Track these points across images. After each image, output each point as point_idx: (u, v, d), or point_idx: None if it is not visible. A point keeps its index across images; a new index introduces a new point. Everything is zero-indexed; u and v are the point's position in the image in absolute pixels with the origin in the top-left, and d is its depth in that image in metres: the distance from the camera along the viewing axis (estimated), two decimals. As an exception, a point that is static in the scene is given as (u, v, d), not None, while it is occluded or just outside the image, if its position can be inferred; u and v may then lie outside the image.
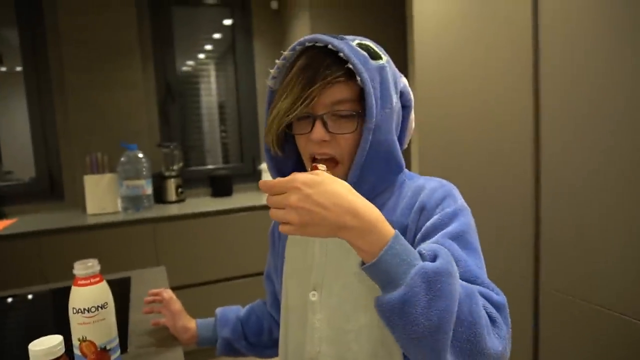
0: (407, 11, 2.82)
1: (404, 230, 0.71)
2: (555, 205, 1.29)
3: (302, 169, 0.80)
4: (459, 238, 0.67)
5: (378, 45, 0.77)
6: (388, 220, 0.69)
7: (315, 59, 0.71)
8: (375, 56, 0.72)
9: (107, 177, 2.53)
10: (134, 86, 2.67)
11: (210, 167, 3.12)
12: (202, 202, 2.77)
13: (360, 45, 0.72)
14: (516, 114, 1.40)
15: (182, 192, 2.83)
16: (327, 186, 0.58)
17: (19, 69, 2.63)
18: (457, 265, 0.62)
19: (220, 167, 3.11)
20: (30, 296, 1.34)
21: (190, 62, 3.07)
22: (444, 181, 0.76)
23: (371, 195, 0.74)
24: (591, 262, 1.18)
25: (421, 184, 0.75)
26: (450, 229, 0.67)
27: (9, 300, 1.31)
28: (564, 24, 1.23)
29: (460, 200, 0.73)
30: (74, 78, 2.53)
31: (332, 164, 0.73)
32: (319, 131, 0.71)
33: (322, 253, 0.78)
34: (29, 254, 2.15)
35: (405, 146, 0.84)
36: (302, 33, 2.75)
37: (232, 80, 3.14)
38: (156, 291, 1.08)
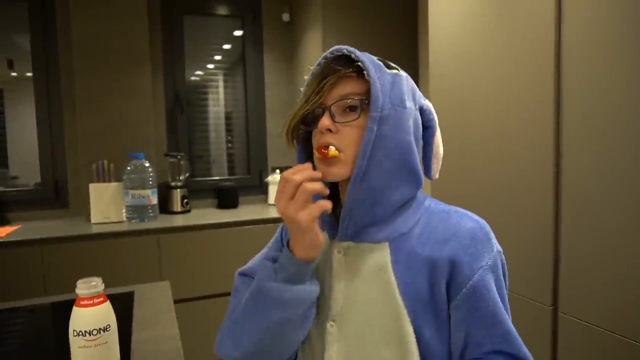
0: (419, 24, 2.81)
1: (434, 265, 0.69)
2: (575, 228, 1.24)
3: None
4: (504, 302, 0.70)
5: (399, 68, 0.77)
6: (417, 252, 0.69)
7: (332, 62, 0.73)
8: (391, 67, 0.73)
9: (112, 186, 2.50)
10: (144, 95, 2.66)
11: (216, 178, 3.09)
12: (208, 214, 2.73)
13: (379, 59, 0.74)
14: (536, 128, 1.36)
15: (187, 203, 2.79)
16: None
17: (29, 74, 2.63)
18: (509, 340, 0.67)
19: (227, 179, 3.08)
20: (31, 309, 1.30)
21: (200, 72, 3.06)
22: (481, 222, 0.72)
23: (391, 209, 0.71)
24: (612, 289, 1.14)
25: (455, 221, 0.72)
26: (494, 293, 0.68)
27: (8, 312, 1.27)
28: (587, 31, 1.20)
29: (496, 245, 0.72)
30: (83, 85, 2.52)
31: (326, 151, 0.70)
32: (324, 120, 0.70)
33: (337, 283, 0.74)
34: (31, 262, 2.12)
35: (435, 175, 0.80)
36: (314, 46, 2.74)
37: (240, 91, 3.12)
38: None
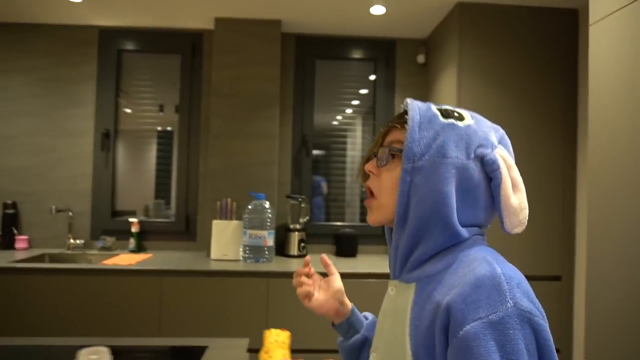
0: (579, 72, 2.37)
1: (437, 310, 0.65)
2: None
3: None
4: None
5: (477, 116, 0.78)
6: (432, 295, 0.68)
7: (402, 112, 0.80)
8: (450, 116, 0.75)
9: (233, 224, 2.55)
10: (271, 137, 2.71)
11: (338, 224, 2.97)
12: (323, 261, 2.61)
13: (441, 109, 0.77)
14: None
15: (304, 247, 2.71)
16: None
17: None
18: None
19: (347, 225, 2.94)
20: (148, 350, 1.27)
21: (328, 116, 3.03)
22: (498, 270, 0.63)
23: (426, 255, 0.73)
24: None
25: (472, 267, 0.66)
26: (487, 353, 0.58)
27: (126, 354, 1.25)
28: None
29: (514, 300, 0.60)
30: (217, 126, 2.67)
31: (371, 197, 0.79)
32: (368, 164, 0.79)
33: (383, 319, 0.80)
34: (151, 291, 2.22)
35: (511, 229, 0.73)
36: (448, 87, 2.49)
37: (371, 135, 3.00)
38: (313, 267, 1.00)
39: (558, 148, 2.37)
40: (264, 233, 2.50)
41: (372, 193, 0.79)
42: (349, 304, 0.97)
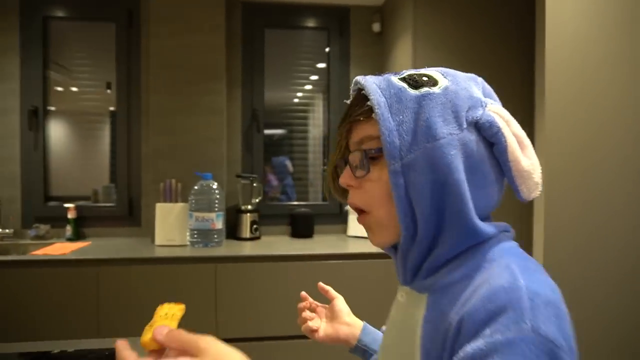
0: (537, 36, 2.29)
1: (448, 329, 0.53)
2: None
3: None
4: None
5: (447, 71, 0.63)
6: (446, 311, 0.56)
7: (354, 98, 0.66)
8: (420, 84, 0.60)
9: (178, 207, 2.38)
10: (218, 112, 2.52)
11: (292, 203, 2.83)
12: (277, 242, 2.48)
13: (405, 77, 0.62)
14: None
15: (256, 229, 2.57)
16: None
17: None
18: None
19: (302, 205, 2.81)
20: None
21: (287, 93, 2.85)
22: (518, 282, 0.50)
23: (440, 260, 0.60)
24: None
25: (489, 275, 0.54)
26: None
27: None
28: None
29: (528, 324, 0.46)
30: (157, 101, 2.46)
31: (362, 213, 0.66)
32: (343, 177, 0.65)
33: (390, 331, 0.71)
34: (87, 282, 2.04)
35: (528, 195, 0.61)
36: (404, 56, 2.37)
37: (325, 111, 2.86)
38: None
39: (516, 117, 2.31)
40: (212, 215, 2.34)
41: (359, 209, 0.65)
42: (359, 324, 0.89)
